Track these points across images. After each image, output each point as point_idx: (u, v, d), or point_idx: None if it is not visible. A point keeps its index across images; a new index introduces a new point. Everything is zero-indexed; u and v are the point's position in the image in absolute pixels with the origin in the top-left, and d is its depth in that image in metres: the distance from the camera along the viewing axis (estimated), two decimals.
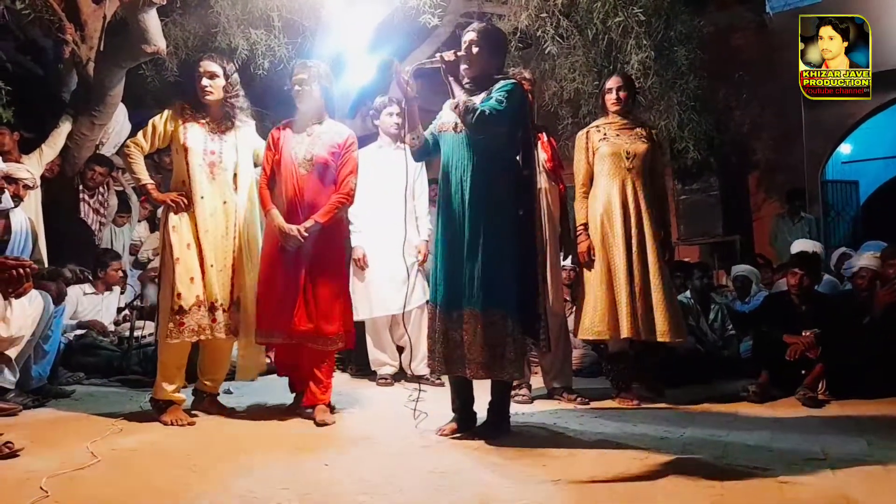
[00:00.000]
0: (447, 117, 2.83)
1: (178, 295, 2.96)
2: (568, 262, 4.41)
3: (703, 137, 6.10)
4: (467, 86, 2.79)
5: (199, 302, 2.99)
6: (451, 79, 2.74)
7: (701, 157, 6.18)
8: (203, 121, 3.13)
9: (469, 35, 2.80)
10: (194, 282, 2.99)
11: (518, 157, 2.75)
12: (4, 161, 3.79)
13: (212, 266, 3.03)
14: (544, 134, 3.70)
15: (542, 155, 3.59)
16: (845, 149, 8.56)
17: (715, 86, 6.55)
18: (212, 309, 3.02)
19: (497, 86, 2.70)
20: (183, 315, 2.95)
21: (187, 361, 3.27)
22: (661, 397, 3.57)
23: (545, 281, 2.85)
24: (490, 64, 2.80)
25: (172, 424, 2.88)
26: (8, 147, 4.65)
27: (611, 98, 3.58)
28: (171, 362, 3.01)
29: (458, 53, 2.77)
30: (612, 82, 3.61)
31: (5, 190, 3.52)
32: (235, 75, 3.19)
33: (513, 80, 2.74)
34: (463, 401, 2.82)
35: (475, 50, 2.77)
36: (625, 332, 3.31)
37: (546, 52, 5.40)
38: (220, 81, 3.11)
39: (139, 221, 6.08)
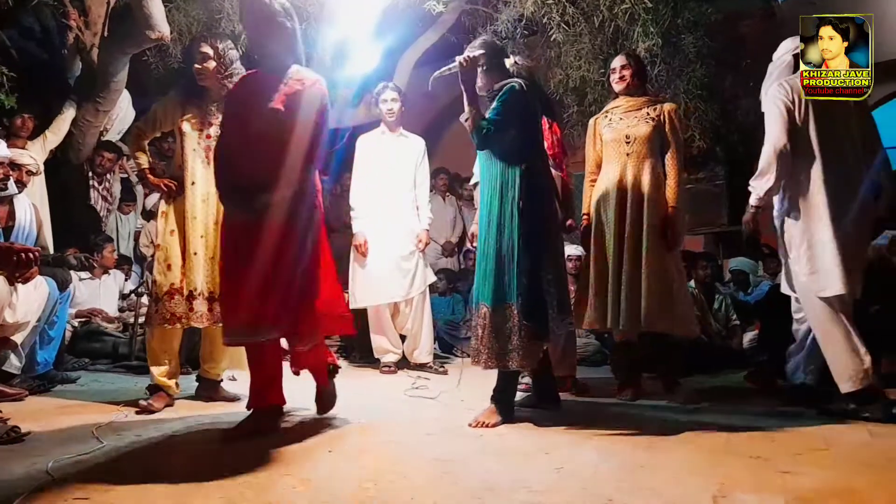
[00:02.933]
0: None
1: (154, 282, 3.01)
2: (572, 251, 4.39)
3: (710, 126, 6.06)
4: (485, 95, 2.91)
5: (174, 290, 2.97)
6: (465, 86, 2.78)
7: (707, 146, 6.14)
8: (202, 104, 3.10)
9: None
10: (171, 269, 2.98)
11: (525, 152, 2.83)
12: (9, 146, 3.79)
13: (195, 254, 3.00)
14: (546, 121, 3.64)
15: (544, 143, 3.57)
16: None
17: (722, 74, 6.48)
18: (190, 297, 2.97)
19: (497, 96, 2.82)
20: (157, 302, 2.97)
21: (193, 348, 3.28)
22: (673, 394, 3.38)
23: (556, 269, 2.84)
24: (496, 76, 2.89)
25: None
26: (24, 133, 4.68)
27: (615, 78, 3.47)
28: (155, 347, 3.03)
29: (472, 56, 2.79)
30: (616, 62, 3.49)
31: (10, 176, 3.53)
32: (232, 53, 3.11)
33: (508, 88, 2.80)
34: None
35: (480, 71, 2.86)
36: (610, 322, 3.21)
37: (552, 39, 5.36)
38: (213, 63, 3.06)
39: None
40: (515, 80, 2.86)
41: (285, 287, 2.47)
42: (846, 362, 2.86)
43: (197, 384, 3.26)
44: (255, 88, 2.59)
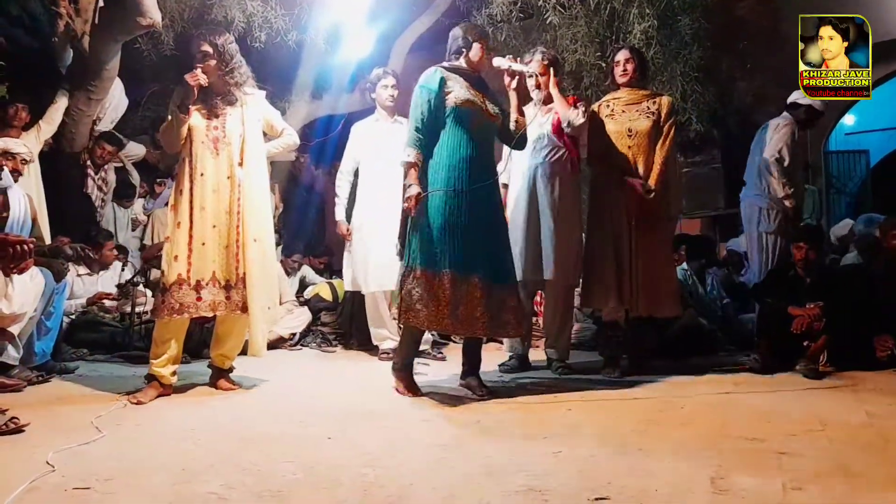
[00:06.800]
0: (465, 93, 3.03)
1: (162, 272, 3.04)
2: None
3: (706, 109, 6.03)
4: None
5: (181, 280, 2.98)
6: (519, 93, 3.17)
7: (703, 129, 6.12)
8: (207, 98, 3.11)
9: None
10: (178, 260, 3.00)
11: None
12: (3, 137, 3.77)
13: (203, 244, 3.02)
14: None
15: (547, 126, 3.60)
16: (849, 120, 8.49)
17: (718, 56, 6.45)
18: (197, 287, 3.00)
19: None
20: (165, 293, 2.98)
21: (188, 338, 3.28)
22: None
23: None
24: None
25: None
26: (17, 123, 4.65)
27: (618, 71, 3.63)
28: (158, 338, 3.04)
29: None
30: (620, 55, 3.65)
31: (4, 167, 3.50)
32: (231, 46, 3.13)
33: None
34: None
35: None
36: (621, 301, 3.46)
37: (547, 22, 5.31)
38: (213, 61, 3.07)
39: (138, 197, 6.09)
40: None
41: None
42: None
43: (210, 370, 3.28)
44: None
